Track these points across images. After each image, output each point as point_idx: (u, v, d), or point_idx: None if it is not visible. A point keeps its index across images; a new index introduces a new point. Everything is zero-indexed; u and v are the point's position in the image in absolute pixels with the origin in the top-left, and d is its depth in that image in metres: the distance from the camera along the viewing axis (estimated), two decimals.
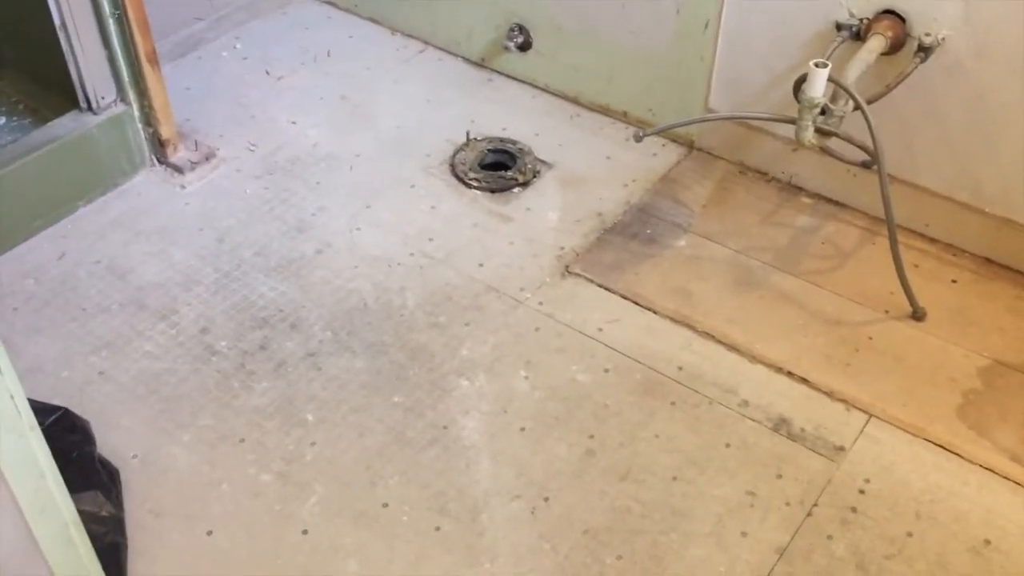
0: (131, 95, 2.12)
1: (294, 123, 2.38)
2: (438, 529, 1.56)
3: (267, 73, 2.53)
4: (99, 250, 2.04)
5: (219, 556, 1.53)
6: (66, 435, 1.57)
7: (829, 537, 1.54)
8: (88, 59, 2.04)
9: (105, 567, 1.36)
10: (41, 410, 1.55)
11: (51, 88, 2.12)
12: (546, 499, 1.60)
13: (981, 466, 1.64)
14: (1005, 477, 1.62)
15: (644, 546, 1.54)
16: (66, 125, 2.08)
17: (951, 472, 1.63)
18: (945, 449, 1.66)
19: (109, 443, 1.66)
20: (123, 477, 1.61)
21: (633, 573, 1.50)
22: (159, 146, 2.20)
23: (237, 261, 2.02)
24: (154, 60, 2.10)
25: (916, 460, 1.65)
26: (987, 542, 1.54)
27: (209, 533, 1.56)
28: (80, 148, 2.08)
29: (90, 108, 2.10)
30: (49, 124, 2.08)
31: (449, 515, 1.58)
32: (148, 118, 2.16)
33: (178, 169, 2.21)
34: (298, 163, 2.26)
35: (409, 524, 1.57)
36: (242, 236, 2.07)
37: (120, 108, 2.12)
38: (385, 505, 1.60)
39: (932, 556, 1.52)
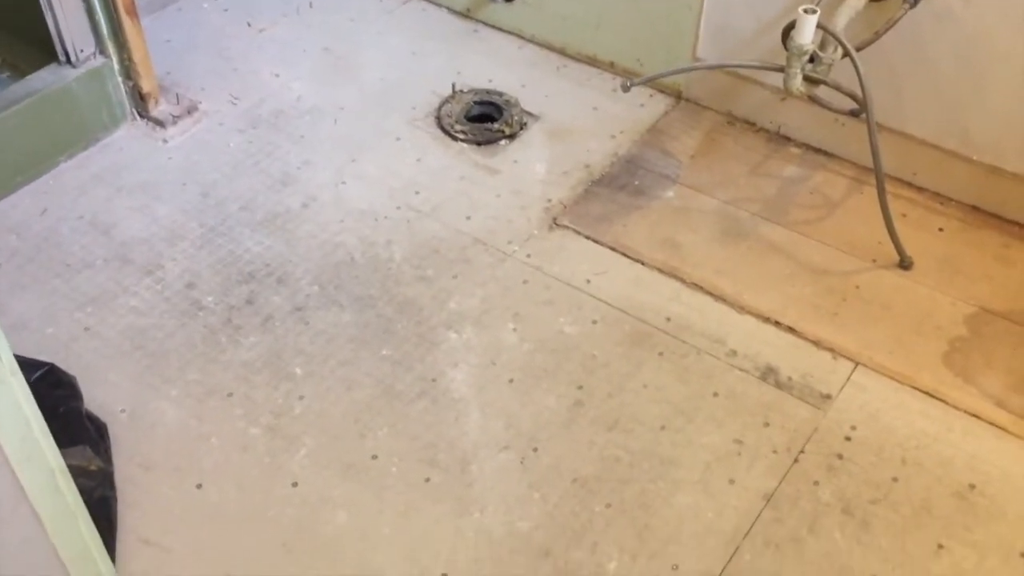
0: (110, 48, 2.09)
1: (277, 76, 2.34)
2: (427, 480, 1.57)
3: (248, 25, 2.49)
4: (82, 205, 2.02)
5: (209, 509, 1.53)
6: (53, 391, 1.56)
7: (815, 483, 1.56)
8: (66, 11, 2.00)
9: (95, 521, 1.36)
10: (27, 366, 1.54)
11: (29, 41, 2.08)
12: (535, 449, 1.61)
13: (966, 412, 1.65)
14: (990, 423, 1.63)
15: (632, 494, 1.55)
16: (45, 79, 2.05)
17: (936, 418, 1.64)
18: (931, 396, 1.67)
19: (96, 398, 1.66)
20: (111, 432, 1.61)
21: (622, 521, 1.52)
22: (140, 100, 2.17)
23: (222, 216, 2.00)
24: (133, 12, 2.06)
25: (902, 407, 1.66)
26: (971, 486, 1.55)
27: (199, 486, 1.56)
28: (59, 102, 2.05)
29: (69, 61, 2.06)
30: (27, 78, 2.05)
31: (438, 466, 1.59)
32: (128, 71, 2.13)
33: (160, 123, 2.18)
34: (282, 116, 2.24)
35: (399, 476, 1.58)
36: (227, 190, 2.05)
37: (99, 61, 2.09)
38: (374, 457, 1.60)
39: (917, 501, 1.53)
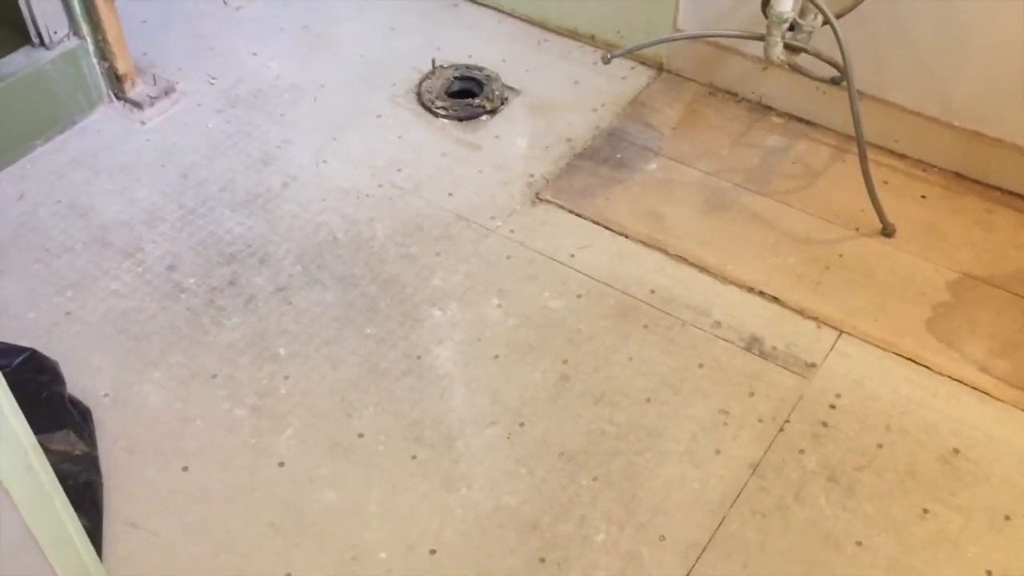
0: (84, 28, 2.06)
1: (255, 54, 2.32)
2: (414, 457, 1.57)
3: (225, 3, 2.46)
4: (59, 189, 2.00)
5: (196, 490, 1.53)
6: (35, 376, 1.55)
7: (801, 451, 1.57)
8: None
9: (81, 505, 1.36)
10: (8, 351, 1.53)
11: (1, 23, 2.05)
12: (521, 424, 1.61)
13: (950, 377, 1.66)
14: (973, 387, 1.64)
15: (620, 466, 1.55)
16: (18, 61, 2.02)
17: (920, 384, 1.65)
18: (915, 362, 1.68)
19: (79, 383, 1.65)
20: (95, 416, 1.60)
21: (609, 493, 1.52)
22: (116, 81, 2.15)
23: (202, 197, 1.98)
24: None
25: (886, 374, 1.67)
26: (956, 451, 1.56)
27: (185, 468, 1.56)
28: (34, 85, 2.02)
29: (42, 43, 2.03)
30: (0, 61, 2.02)
31: (425, 443, 1.59)
32: (103, 52, 2.10)
33: (137, 104, 2.16)
34: (260, 95, 2.22)
35: (385, 453, 1.58)
36: (206, 171, 2.04)
37: (73, 42, 2.06)
38: (361, 435, 1.60)
39: (902, 466, 1.54)
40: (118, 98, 2.17)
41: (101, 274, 1.83)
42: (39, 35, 2.02)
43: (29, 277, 1.83)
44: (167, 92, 2.19)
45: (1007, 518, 1.48)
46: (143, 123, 2.14)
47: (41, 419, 1.27)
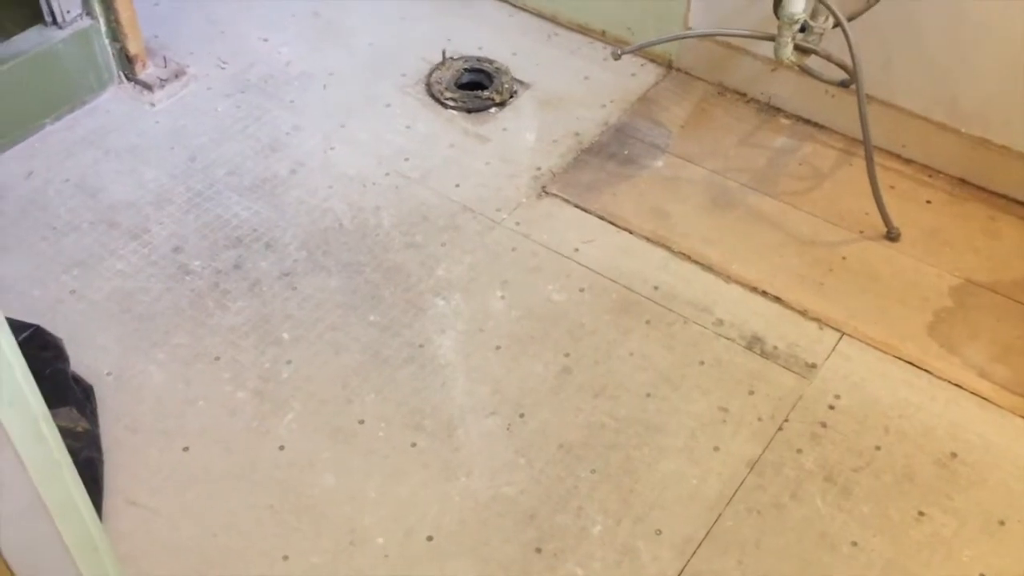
0: (97, 9, 2.06)
1: (265, 40, 2.33)
2: (414, 445, 1.58)
3: None
4: (68, 168, 2.00)
5: (196, 471, 1.54)
6: (39, 352, 1.56)
7: (799, 451, 1.57)
8: None
9: (82, 482, 1.37)
10: (13, 327, 1.53)
11: (14, 2, 2.05)
12: (521, 415, 1.62)
13: (949, 382, 1.66)
14: (972, 393, 1.65)
15: (618, 460, 1.56)
16: (30, 40, 2.03)
17: (920, 388, 1.66)
18: (915, 366, 1.69)
19: (83, 361, 1.65)
20: (98, 394, 1.61)
21: (607, 486, 1.53)
22: (127, 62, 2.15)
23: (210, 180, 1.99)
24: None
25: (886, 377, 1.67)
26: (953, 455, 1.57)
27: (185, 449, 1.56)
28: (45, 63, 2.03)
29: (55, 22, 2.04)
30: (12, 39, 2.03)
31: (425, 431, 1.59)
32: (115, 33, 2.11)
33: (147, 86, 2.16)
34: (271, 81, 2.22)
35: (385, 440, 1.58)
36: (215, 155, 2.04)
37: (86, 22, 2.07)
38: (361, 422, 1.61)
39: (899, 468, 1.55)
40: (128, 79, 2.18)
41: (107, 254, 1.84)
42: (52, 14, 2.03)
43: (35, 255, 1.84)
44: (177, 75, 2.20)
45: (1002, 523, 1.49)
46: (153, 105, 2.14)
47: (44, 395, 1.27)
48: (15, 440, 0.76)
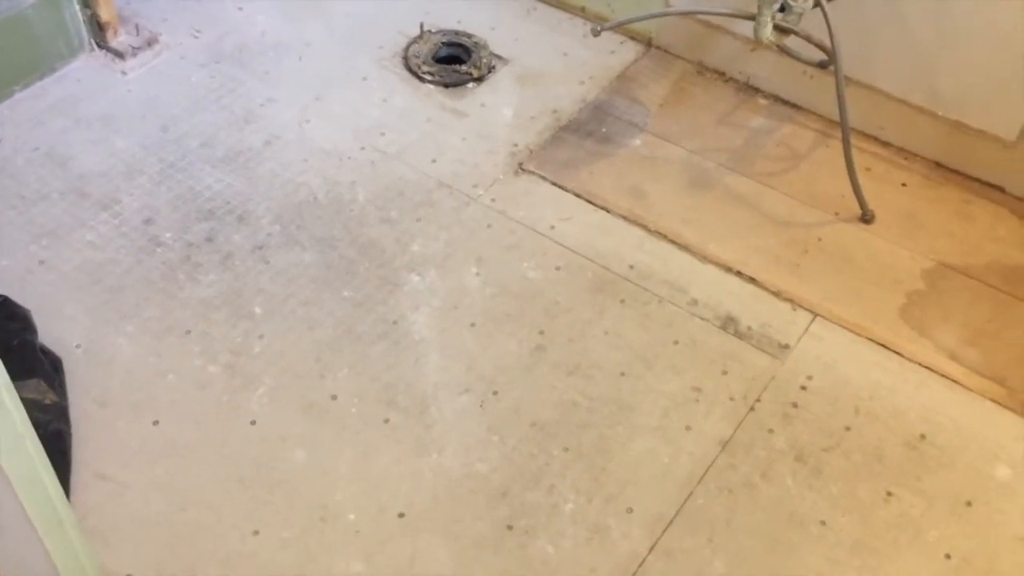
0: None
1: (240, 9, 2.29)
2: (387, 421, 1.57)
3: None
4: (37, 137, 1.97)
5: (166, 445, 1.52)
6: (6, 323, 1.54)
7: (770, 431, 1.58)
8: None
9: (49, 455, 1.35)
10: None
11: None
12: (495, 393, 1.61)
13: (920, 364, 1.67)
14: (943, 375, 1.66)
15: (591, 439, 1.56)
16: None
17: (891, 370, 1.67)
18: (887, 348, 1.70)
19: (52, 332, 1.63)
20: (66, 366, 1.59)
21: (579, 464, 1.53)
22: (98, 29, 2.11)
23: (182, 151, 1.96)
24: None
25: (858, 358, 1.68)
26: (922, 436, 1.58)
27: (155, 423, 1.55)
28: (14, 29, 1.98)
29: None
30: None
31: (398, 407, 1.59)
32: None
33: (119, 54, 2.13)
34: (245, 51, 2.19)
35: (358, 416, 1.58)
36: (187, 126, 2.01)
37: None
38: (334, 397, 1.60)
39: (869, 449, 1.56)
40: (100, 47, 2.14)
41: (77, 224, 1.81)
42: None
43: (3, 224, 1.80)
44: (150, 43, 2.16)
45: (969, 504, 1.50)
46: (124, 73, 2.11)
47: (11, 367, 1.25)
48: None
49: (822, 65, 1.92)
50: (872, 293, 1.78)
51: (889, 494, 1.51)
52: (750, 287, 1.79)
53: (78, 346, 1.64)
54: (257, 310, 1.71)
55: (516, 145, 2.03)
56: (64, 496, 0.94)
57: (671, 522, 1.47)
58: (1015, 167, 1.92)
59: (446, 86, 2.14)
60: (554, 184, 1.95)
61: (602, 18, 2.27)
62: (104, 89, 2.07)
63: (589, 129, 2.06)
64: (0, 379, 0.76)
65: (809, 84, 2.07)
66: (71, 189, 1.87)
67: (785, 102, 2.13)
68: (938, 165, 2.00)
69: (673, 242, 1.85)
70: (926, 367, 1.67)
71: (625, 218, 1.89)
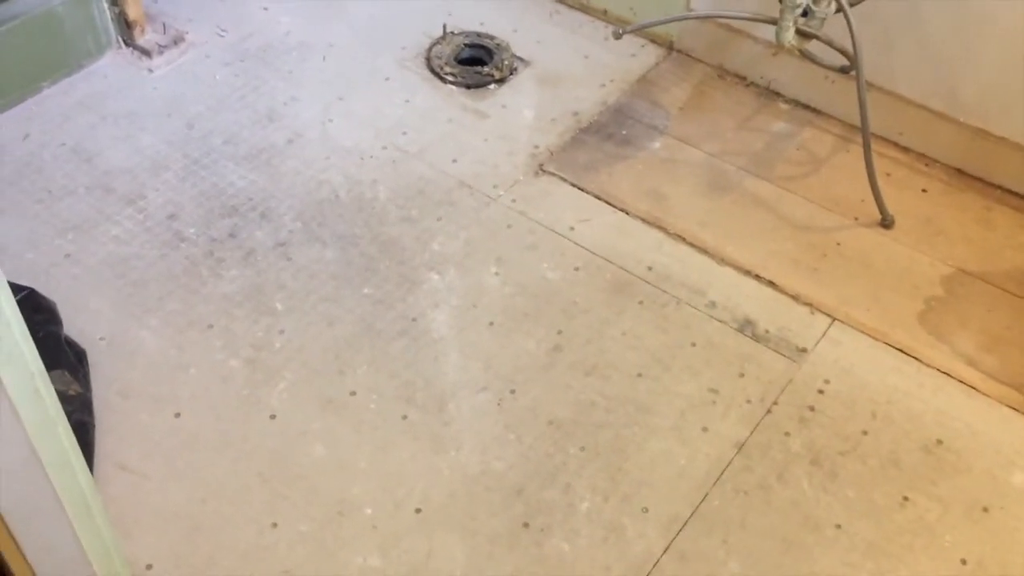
0: None
1: (265, 9, 2.31)
2: (405, 418, 1.59)
3: None
4: (65, 132, 1.99)
5: (187, 437, 1.54)
6: (32, 315, 1.56)
7: (787, 434, 1.58)
8: None
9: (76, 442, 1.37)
10: None
11: None
12: (512, 391, 1.62)
13: (938, 370, 1.67)
14: (960, 380, 1.66)
15: (607, 438, 1.57)
16: (28, 2, 2.01)
17: (909, 375, 1.67)
18: (904, 353, 1.70)
19: (76, 325, 1.65)
20: (90, 359, 1.61)
21: (596, 464, 1.54)
22: (126, 27, 2.14)
23: (206, 148, 1.99)
24: None
25: (875, 363, 1.68)
26: (939, 441, 1.58)
27: (177, 415, 1.57)
28: (44, 26, 2.01)
29: None
30: (10, 1, 2.01)
31: (416, 404, 1.60)
32: None
33: (146, 52, 2.15)
34: (270, 51, 2.21)
35: (377, 412, 1.59)
36: (212, 123, 2.04)
37: None
38: (353, 393, 1.61)
39: (885, 453, 1.56)
40: (127, 45, 2.17)
41: (103, 219, 1.84)
42: None
43: (30, 218, 1.83)
44: (176, 42, 2.19)
45: (985, 510, 1.50)
46: (151, 71, 2.14)
47: None
48: (12, 396, 0.76)
49: (843, 70, 1.93)
50: (890, 298, 1.78)
51: (905, 499, 1.51)
52: (768, 290, 1.79)
53: (102, 338, 1.66)
54: (278, 306, 1.73)
55: (536, 146, 2.04)
56: (92, 482, 0.96)
57: (686, 523, 1.48)
58: None
59: (468, 87, 2.16)
60: (574, 185, 1.96)
61: (624, 21, 2.28)
62: (131, 86, 2.10)
63: (609, 131, 2.07)
64: (35, 367, 0.78)
65: (830, 89, 2.07)
66: (97, 184, 1.90)
67: (806, 107, 2.13)
68: (959, 171, 2.00)
69: (692, 244, 1.86)
70: (944, 372, 1.67)
71: (644, 220, 1.90)
